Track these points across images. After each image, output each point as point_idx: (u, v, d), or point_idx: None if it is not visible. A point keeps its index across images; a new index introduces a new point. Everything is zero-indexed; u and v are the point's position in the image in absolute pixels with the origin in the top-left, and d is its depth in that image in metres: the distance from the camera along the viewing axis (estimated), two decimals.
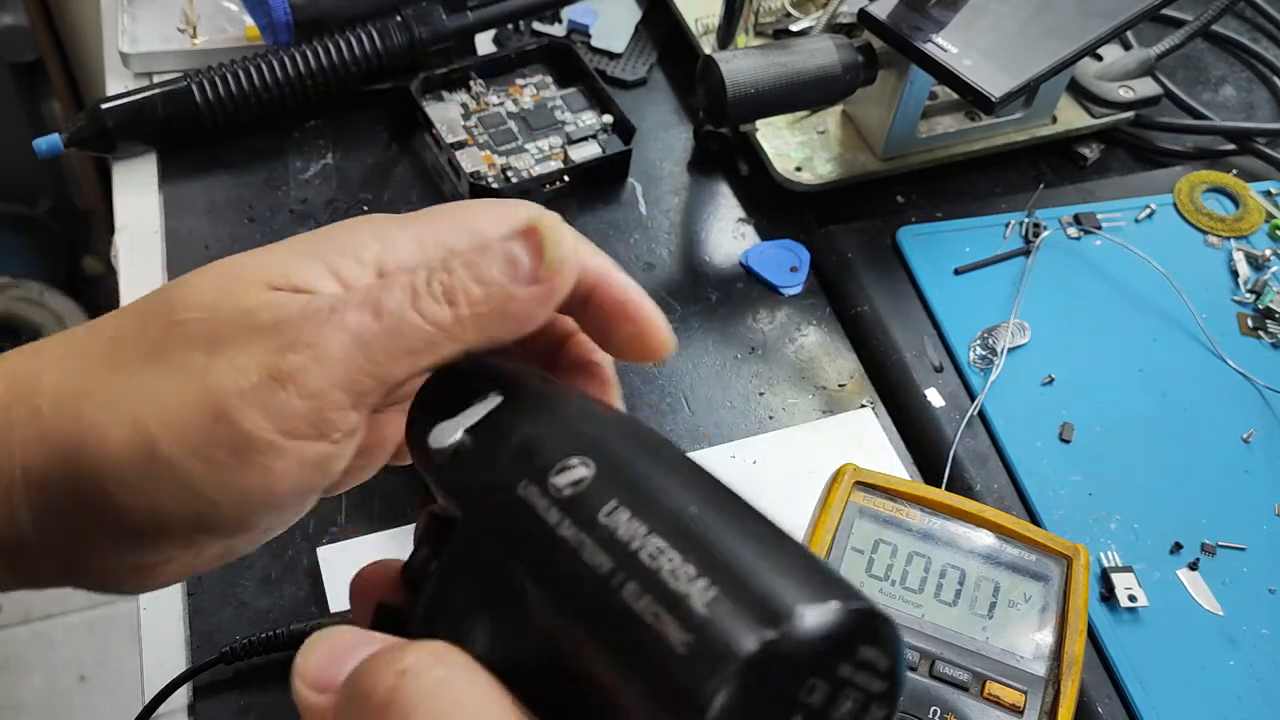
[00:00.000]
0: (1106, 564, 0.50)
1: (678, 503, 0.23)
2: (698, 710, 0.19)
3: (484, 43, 0.70)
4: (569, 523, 0.23)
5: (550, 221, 0.28)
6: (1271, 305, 0.61)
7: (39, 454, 0.27)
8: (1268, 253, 0.64)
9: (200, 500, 0.26)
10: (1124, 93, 0.69)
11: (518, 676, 0.24)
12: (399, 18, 0.64)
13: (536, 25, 0.71)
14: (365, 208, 0.62)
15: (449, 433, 0.27)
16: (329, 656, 0.25)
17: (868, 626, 0.21)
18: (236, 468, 0.26)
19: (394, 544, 0.49)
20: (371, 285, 0.27)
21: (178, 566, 0.29)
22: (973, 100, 0.55)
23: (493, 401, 0.28)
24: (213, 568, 0.30)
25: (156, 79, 0.63)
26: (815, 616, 0.20)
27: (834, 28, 0.62)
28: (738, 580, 0.21)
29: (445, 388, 0.29)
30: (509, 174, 0.62)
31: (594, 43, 0.71)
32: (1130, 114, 0.69)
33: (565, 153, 0.63)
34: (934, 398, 0.56)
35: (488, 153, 0.63)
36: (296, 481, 0.26)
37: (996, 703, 0.42)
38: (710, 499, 0.23)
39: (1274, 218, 0.65)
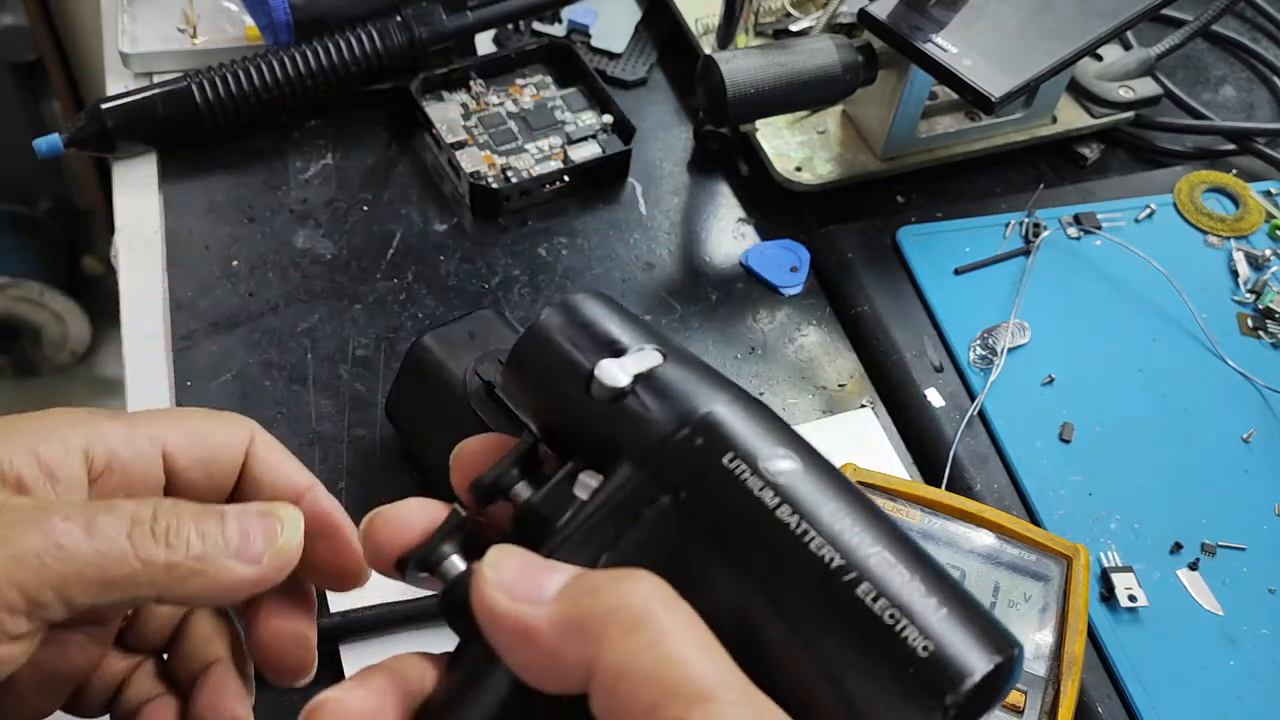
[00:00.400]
0: (1106, 564, 0.50)
1: (884, 521, 0.25)
2: (936, 710, 0.22)
3: (484, 43, 0.69)
4: (789, 509, 0.24)
5: (290, 514, 0.29)
6: (1271, 305, 0.61)
7: None
8: (1268, 253, 0.64)
9: None
10: (1124, 93, 0.69)
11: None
12: (399, 18, 0.64)
13: (536, 25, 0.71)
14: (365, 208, 0.62)
15: (619, 373, 0.27)
16: (525, 569, 0.24)
17: (1017, 666, 0.24)
18: None
19: None
20: (92, 503, 0.27)
21: None
22: (973, 100, 0.55)
23: (654, 357, 0.28)
24: None
25: (156, 79, 0.63)
26: (1017, 649, 0.23)
27: (834, 28, 0.62)
28: (960, 606, 0.23)
29: (582, 319, 0.29)
30: (509, 174, 0.62)
31: (594, 43, 0.71)
32: (1130, 114, 0.69)
33: (565, 153, 0.63)
34: (934, 398, 0.56)
35: (488, 153, 0.63)
36: None
37: None
38: (896, 524, 0.26)
39: (1274, 218, 0.65)
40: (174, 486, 0.31)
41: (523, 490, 0.28)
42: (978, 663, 0.23)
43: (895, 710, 0.23)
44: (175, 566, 0.27)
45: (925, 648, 0.23)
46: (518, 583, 0.24)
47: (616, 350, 0.28)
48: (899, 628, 0.23)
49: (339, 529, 0.31)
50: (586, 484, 0.27)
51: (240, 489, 0.32)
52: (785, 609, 0.24)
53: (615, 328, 0.29)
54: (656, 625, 0.22)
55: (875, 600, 0.23)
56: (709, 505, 0.25)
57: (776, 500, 0.25)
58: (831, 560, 0.24)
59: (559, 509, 0.27)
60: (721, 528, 0.25)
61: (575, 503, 0.27)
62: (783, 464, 0.25)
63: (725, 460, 0.25)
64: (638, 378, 0.27)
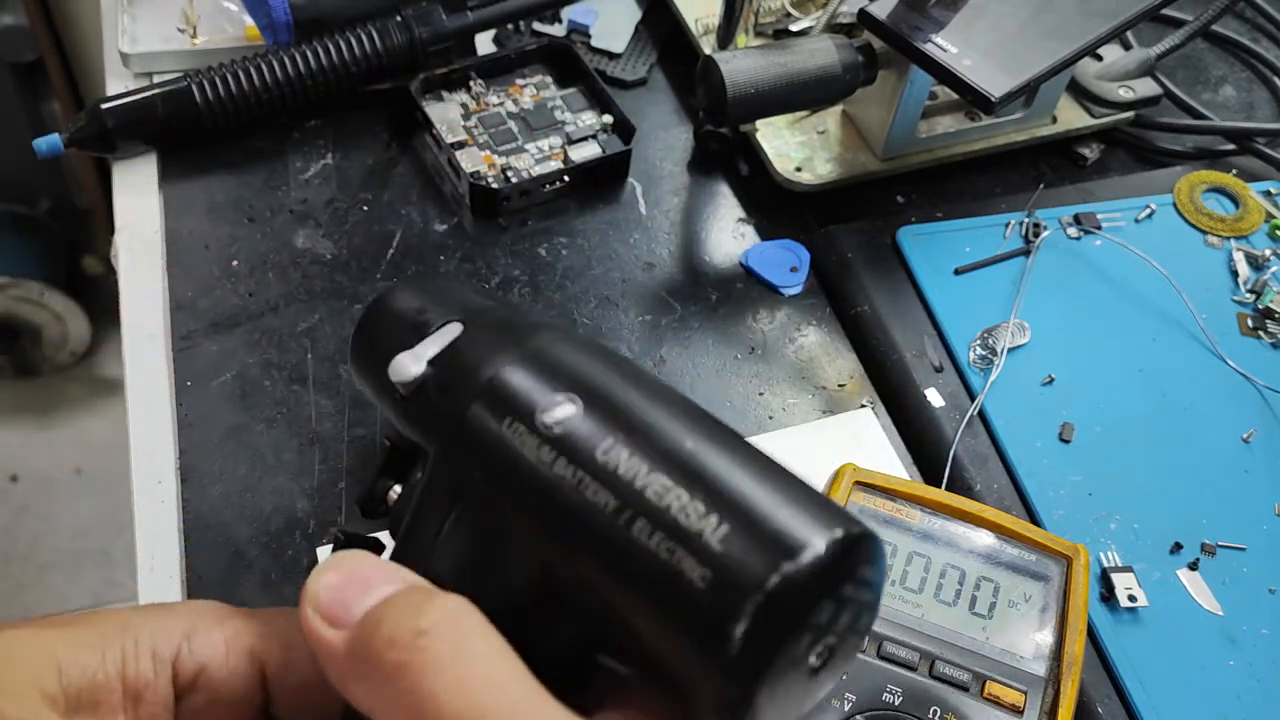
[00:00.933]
0: (1106, 564, 0.50)
1: (674, 437, 0.23)
2: (722, 639, 0.20)
3: (484, 43, 0.70)
4: (564, 461, 0.24)
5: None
6: (1271, 305, 0.61)
7: None
8: (1268, 253, 0.64)
9: None
10: (1124, 93, 0.69)
11: (510, 611, 0.24)
12: (399, 18, 0.64)
13: (536, 25, 0.71)
14: (365, 208, 0.62)
15: (411, 365, 0.27)
16: (344, 584, 0.23)
17: (865, 548, 0.22)
18: None
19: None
20: None
21: None
22: (973, 100, 0.55)
23: (453, 330, 0.27)
24: None
25: (156, 79, 0.63)
26: (824, 545, 0.21)
27: (834, 28, 0.62)
28: (746, 514, 0.22)
29: (392, 313, 0.29)
30: (509, 174, 0.62)
31: (594, 43, 0.71)
32: (1130, 114, 0.69)
33: (565, 153, 0.63)
34: (934, 398, 0.56)
35: (488, 153, 0.63)
36: None
37: (996, 703, 0.42)
38: (701, 430, 0.24)
39: (1274, 218, 0.65)
40: (273, 706, 0.28)
41: (394, 494, 0.29)
42: (756, 574, 0.21)
43: (687, 659, 0.21)
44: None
45: (703, 577, 0.21)
46: (331, 599, 0.23)
47: (420, 332, 0.27)
48: (675, 561, 0.21)
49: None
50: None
51: None
52: (583, 564, 0.23)
53: (416, 312, 0.28)
54: (419, 671, 0.21)
55: (650, 536, 0.22)
56: (500, 478, 0.25)
57: (552, 455, 0.24)
58: (606, 504, 0.23)
59: (390, 500, 0.28)
60: (515, 496, 0.24)
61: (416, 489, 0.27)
62: (559, 412, 0.24)
63: (505, 426, 0.25)
64: (435, 360, 0.27)
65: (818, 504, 0.22)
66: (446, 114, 0.64)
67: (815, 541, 0.21)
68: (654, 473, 0.23)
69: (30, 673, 0.23)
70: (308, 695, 0.27)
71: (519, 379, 0.25)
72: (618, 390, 0.25)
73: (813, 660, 0.22)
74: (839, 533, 0.22)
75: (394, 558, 0.27)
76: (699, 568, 0.21)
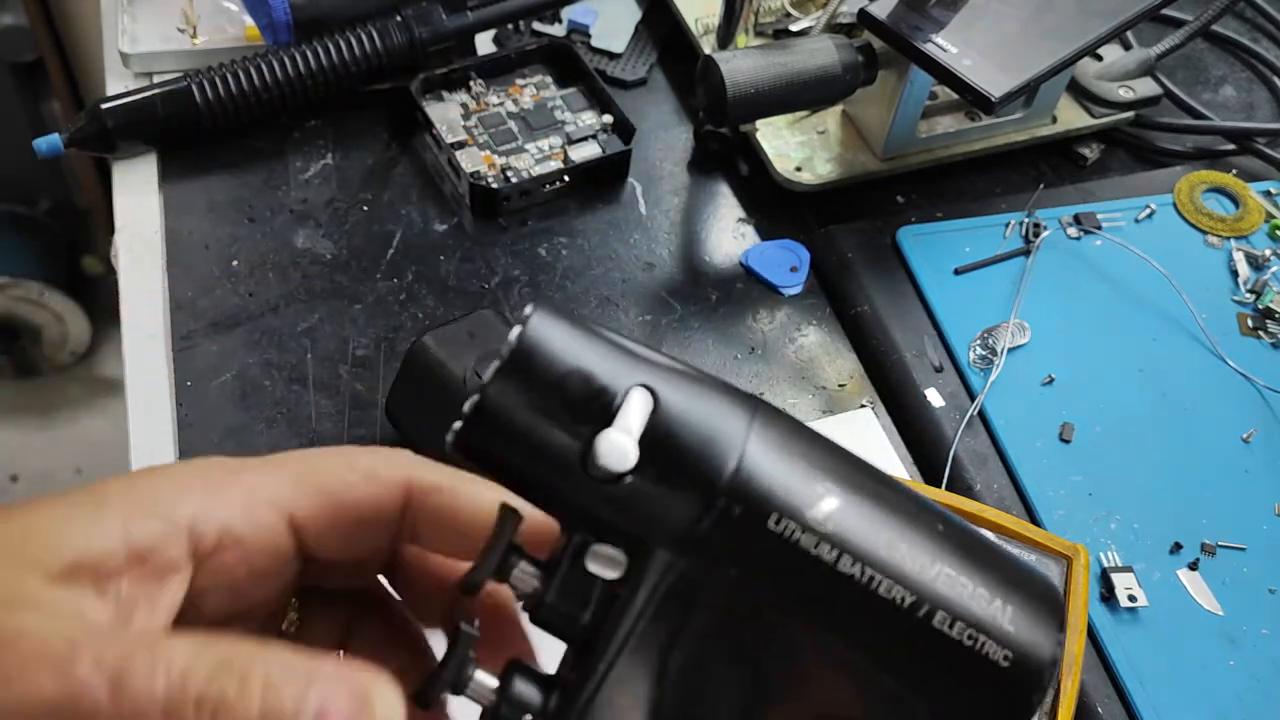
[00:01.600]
0: (1106, 564, 0.50)
1: (929, 524, 0.25)
2: (1027, 710, 0.23)
3: (484, 43, 0.69)
4: (849, 559, 0.23)
5: (387, 698, 0.23)
6: (1271, 305, 0.61)
7: None
8: (1268, 253, 0.64)
9: None
10: (1124, 93, 0.69)
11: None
12: (399, 18, 0.64)
13: (536, 25, 0.71)
14: (365, 208, 0.62)
15: (626, 448, 0.23)
16: None
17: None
18: None
19: None
20: (135, 649, 0.22)
21: None
22: (973, 100, 0.55)
23: (644, 400, 0.24)
24: None
25: (156, 79, 0.63)
26: (1063, 614, 0.25)
27: (834, 28, 0.62)
28: (1019, 595, 0.24)
29: (547, 366, 0.24)
30: (509, 174, 0.62)
31: (594, 43, 0.71)
32: (1130, 114, 0.69)
33: (565, 153, 0.63)
34: (934, 398, 0.56)
35: (488, 153, 0.63)
36: None
37: None
38: (936, 513, 0.25)
39: (1274, 218, 0.65)
40: (310, 558, 0.27)
41: (526, 576, 0.25)
42: (1047, 650, 0.24)
43: (1007, 698, 0.24)
44: None
45: (1005, 657, 0.24)
46: None
47: (601, 401, 0.24)
48: (979, 647, 0.23)
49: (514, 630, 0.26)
50: (607, 561, 0.24)
51: (399, 563, 0.28)
52: (872, 659, 0.23)
53: (588, 366, 0.24)
54: None
55: (951, 626, 0.23)
56: (768, 577, 0.23)
57: (834, 553, 0.23)
58: (903, 599, 0.23)
59: (582, 599, 0.24)
60: (788, 595, 0.23)
61: (597, 587, 0.24)
62: (826, 505, 0.24)
63: (771, 524, 0.23)
64: (642, 442, 0.23)
65: (1039, 576, 0.25)
66: (446, 114, 0.64)
67: (1059, 602, 0.25)
68: (937, 562, 0.24)
69: (20, 543, 0.23)
70: (349, 533, 0.26)
71: (770, 471, 0.23)
72: (855, 468, 0.25)
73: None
74: (1060, 598, 0.25)
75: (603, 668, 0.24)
76: (1001, 649, 0.23)
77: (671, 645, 0.24)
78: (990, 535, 0.25)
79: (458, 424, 0.24)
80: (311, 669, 0.23)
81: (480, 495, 0.27)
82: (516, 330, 0.24)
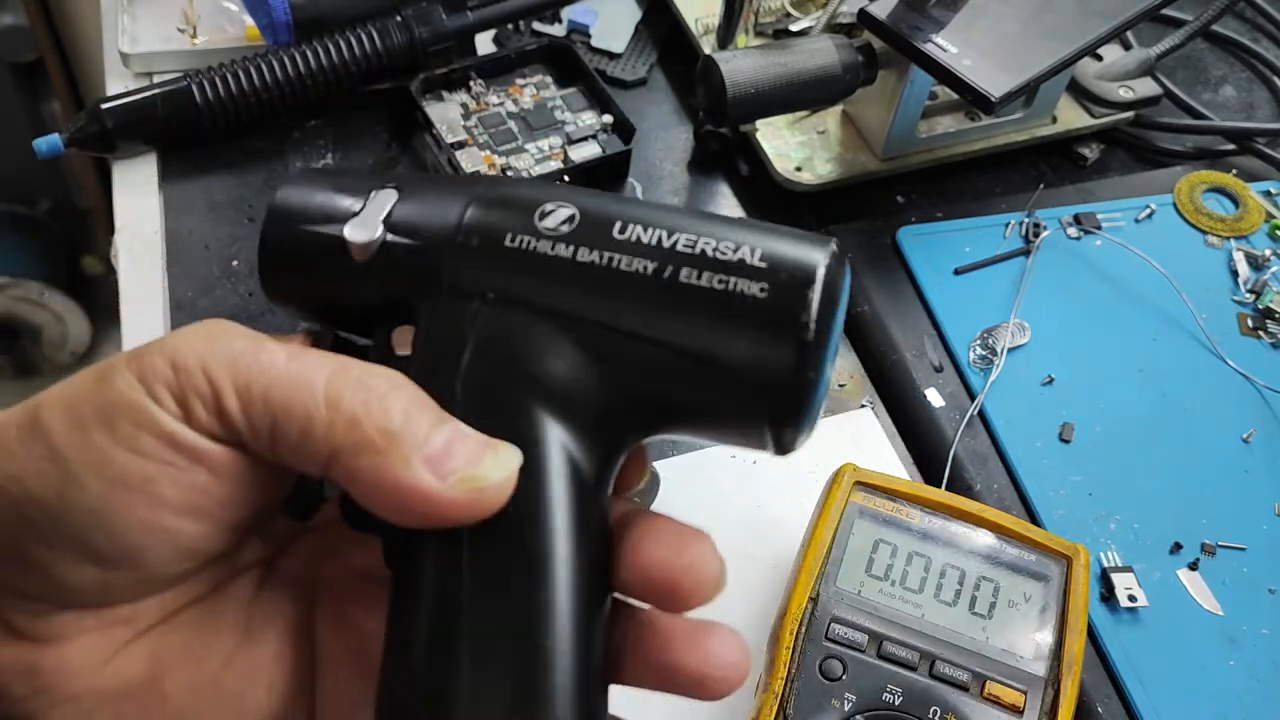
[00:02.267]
0: (1106, 564, 0.50)
1: (665, 209, 0.27)
2: (798, 328, 0.24)
3: (484, 43, 0.70)
4: (586, 249, 0.26)
5: (508, 453, 0.25)
6: (1271, 305, 0.61)
7: None
8: (1268, 253, 0.64)
9: (65, 473, 0.24)
10: (1124, 93, 0.69)
11: (566, 413, 0.26)
12: (399, 18, 0.64)
13: (536, 25, 0.71)
14: None
15: (368, 226, 0.27)
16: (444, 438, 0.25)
17: (842, 256, 0.27)
18: (102, 429, 0.24)
19: None
20: (289, 347, 0.26)
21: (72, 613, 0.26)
22: (973, 100, 0.55)
23: (389, 195, 0.28)
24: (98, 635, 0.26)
25: (156, 79, 0.63)
26: (835, 245, 0.26)
27: (834, 28, 0.62)
28: (767, 240, 0.26)
29: (306, 202, 0.28)
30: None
31: (594, 43, 0.71)
32: (1130, 114, 0.69)
33: (565, 153, 0.63)
34: (934, 398, 0.56)
35: (488, 153, 0.63)
36: (163, 471, 0.24)
37: (996, 703, 0.42)
38: (669, 208, 0.27)
39: (1274, 218, 0.65)
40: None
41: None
42: (811, 269, 0.25)
43: (768, 355, 0.25)
44: (357, 427, 0.24)
45: (761, 289, 0.25)
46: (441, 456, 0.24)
47: (351, 206, 0.28)
48: (731, 286, 0.25)
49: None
50: (407, 341, 0.27)
51: None
52: (637, 336, 0.25)
53: (339, 190, 0.28)
54: None
55: (700, 276, 0.25)
56: (518, 289, 0.26)
57: (570, 249, 0.26)
58: (646, 268, 0.25)
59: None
60: (543, 302, 0.26)
61: (403, 361, 0.27)
62: (555, 216, 0.26)
63: (508, 242, 0.26)
64: (386, 222, 0.27)
65: (800, 231, 0.27)
66: (446, 114, 0.64)
67: (829, 244, 0.26)
68: (675, 233, 0.26)
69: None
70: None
71: (498, 204, 0.27)
72: (593, 193, 0.27)
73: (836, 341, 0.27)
74: (834, 241, 0.26)
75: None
76: (754, 284, 0.25)
77: (454, 380, 0.26)
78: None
79: (259, 246, 0.29)
80: (438, 409, 0.25)
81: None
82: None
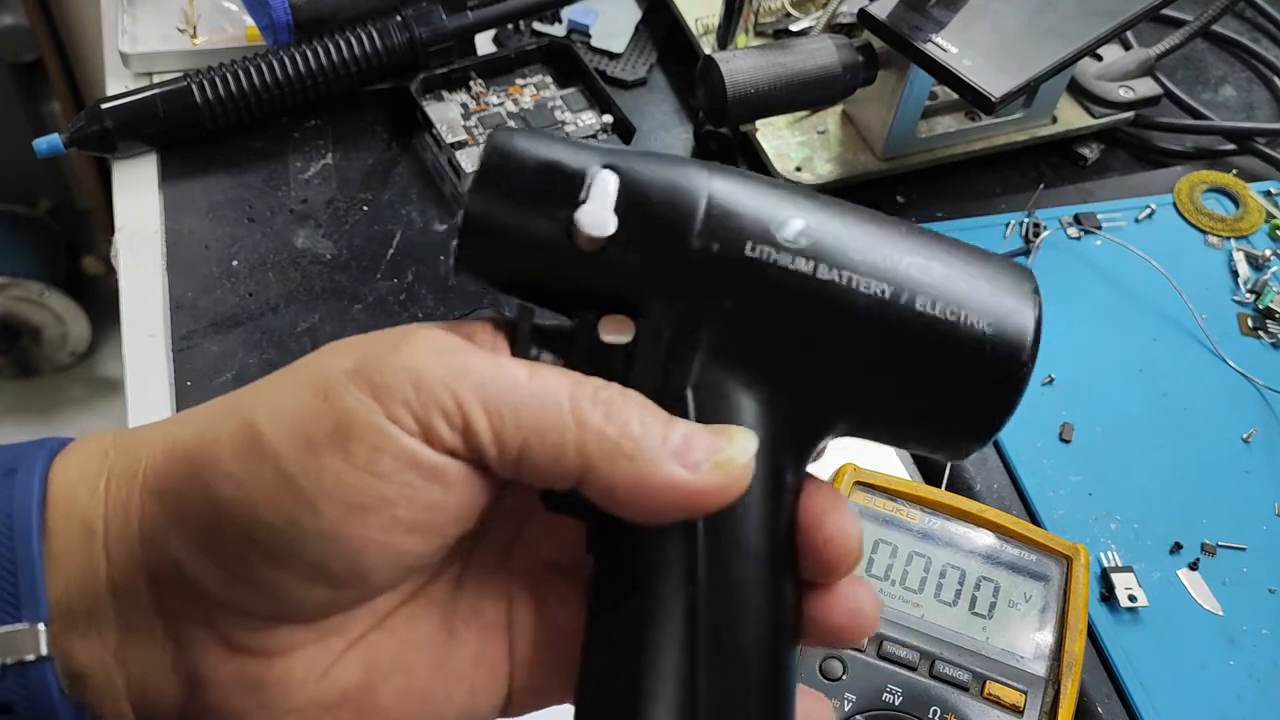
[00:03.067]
0: (1106, 564, 0.50)
1: (882, 227, 0.27)
2: (1019, 363, 0.26)
3: (484, 43, 0.69)
4: (825, 267, 0.26)
5: (743, 434, 0.26)
6: (1271, 305, 0.61)
7: (161, 463, 0.26)
8: (1268, 253, 0.64)
9: (298, 499, 0.24)
10: (1124, 93, 0.69)
11: (785, 421, 0.27)
12: (399, 18, 0.64)
13: (536, 25, 0.71)
14: (365, 208, 0.62)
15: (603, 216, 0.26)
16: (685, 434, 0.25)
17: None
18: (335, 451, 0.24)
19: None
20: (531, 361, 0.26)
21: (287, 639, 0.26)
22: (973, 100, 0.55)
23: (610, 179, 0.26)
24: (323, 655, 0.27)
25: (156, 79, 0.63)
26: (1036, 281, 0.27)
27: (834, 28, 0.62)
28: (993, 273, 0.27)
29: (524, 169, 0.26)
30: None
31: (594, 43, 0.71)
32: (1130, 114, 0.69)
33: None
34: None
35: None
36: (400, 492, 0.24)
37: (996, 703, 0.42)
38: (893, 221, 0.28)
39: (1274, 218, 0.65)
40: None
41: (550, 361, 0.27)
42: (1029, 312, 0.26)
43: (990, 385, 0.26)
44: (607, 439, 0.24)
45: (989, 324, 0.26)
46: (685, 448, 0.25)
47: (573, 185, 0.26)
48: (964, 319, 0.26)
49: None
50: (617, 328, 0.27)
51: None
52: (865, 353, 0.26)
53: (555, 163, 0.26)
54: None
55: (934, 306, 0.26)
56: (758, 300, 0.26)
57: (810, 265, 0.26)
58: (884, 291, 0.26)
59: (604, 366, 0.26)
60: (779, 313, 0.26)
61: (617, 354, 0.26)
62: (795, 225, 0.26)
63: (749, 252, 0.26)
64: (617, 211, 0.26)
65: (1007, 259, 0.28)
66: (446, 114, 0.64)
67: (1032, 278, 0.27)
68: (905, 256, 0.26)
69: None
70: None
71: (737, 205, 0.26)
72: (817, 198, 0.27)
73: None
74: (1032, 273, 0.28)
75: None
76: (983, 319, 0.26)
77: (685, 385, 0.26)
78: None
79: (454, 243, 0.26)
80: (663, 411, 0.26)
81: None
82: (482, 146, 0.27)
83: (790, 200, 0.27)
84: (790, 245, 0.26)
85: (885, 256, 0.26)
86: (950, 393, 0.26)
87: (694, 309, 0.26)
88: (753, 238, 0.26)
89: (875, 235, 0.27)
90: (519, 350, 0.27)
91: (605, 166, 0.26)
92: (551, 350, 0.27)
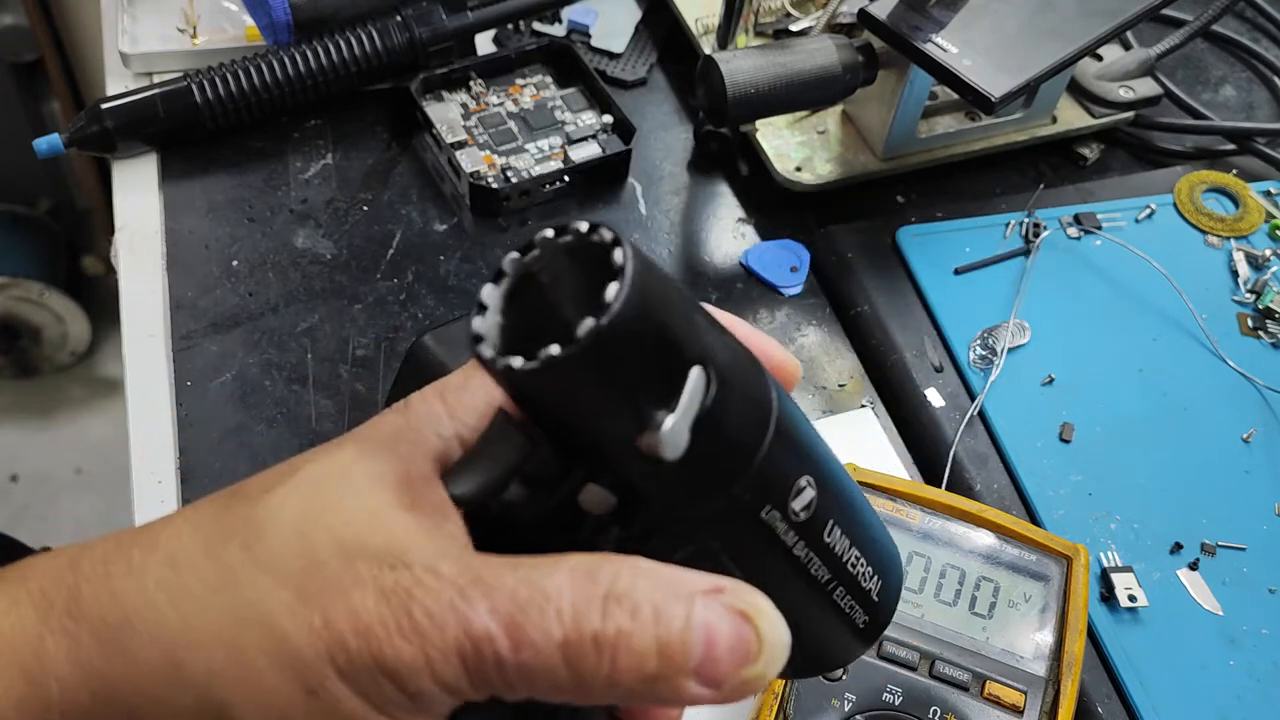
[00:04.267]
0: (1106, 564, 0.50)
1: (860, 511, 0.30)
2: (867, 648, 0.32)
3: (484, 43, 0.69)
4: (803, 543, 0.27)
5: (772, 625, 0.23)
6: (1271, 305, 0.61)
7: (79, 693, 0.23)
8: (1268, 253, 0.64)
9: None
10: (1124, 93, 0.69)
11: None
12: (399, 18, 0.64)
13: (536, 25, 0.71)
14: (365, 208, 0.62)
15: (679, 433, 0.22)
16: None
17: None
18: None
19: None
20: (516, 590, 0.22)
21: None
22: (973, 100, 0.55)
23: (699, 381, 0.23)
24: None
25: (156, 79, 0.63)
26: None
27: (834, 28, 0.62)
28: (886, 573, 0.31)
29: (650, 331, 0.22)
30: (509, 174, 0.62)
31: (594, 43, 0.71)
32: (1130, 114, 0.69)
33: (565, 153, 0.63)
34: (934, 398, 0.56)
35: (488, 153, 0.63)
36: None
37: (996, 703, 0.42)
38: (862, 500, 0.30)
39: (1274, 218, 0.65)
40: None
41: (515, 494, 0.25)
42: (886, 618, 0.32)
43: (851, 649, 0.32)
44: (614, 680, 0.22)
45: (864, 620, 0.31)
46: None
47: (674, 379, 0.22)
48: (854, 614, 0.30)
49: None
50: (599, 500, 0.25)
51: None
52: (785, 599, 0.26)
53: (674, 333, 0.23)
54: None
55: (844, 598, 0.30)
56: (739, 547, 0.26)
57: (795, 539, 0.27)
58: (822, 576, 0.29)
59: (559, 522, 0.24)
60: (743, 552, 0.27)
61: (586, 524, 0.25)
62: (804, 498, 0.26)
63: (764, 515, 0.26)
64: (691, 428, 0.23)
65: (896, 558, 0.33)
66: (446, 114, 0.64)
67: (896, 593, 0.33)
68: (853, 548, 0.29)
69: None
70: None
71: (776, 460, 0.25)
72: (832, 465, 0.28)
73: None
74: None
75: None
76: (864, 615, 0.31)
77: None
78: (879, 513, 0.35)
79: (520, 361, 0.22)
80: (690, 586, 0.23)
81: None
82: (619, 291, 0.21)
83: (808, 457, 0.27)
84: (793, 518, 0.27)
85: (842, 545, 0.29)
86: (836, 646, 0.32)
87: (687, 533, 0.25)
88: (772, 502, 0.26)
89: (846, 516, 0.29)
90: (492, 478, 0.24)
91: (700, 366, 0.23)
92: (523, 485, 0.25)
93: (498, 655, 0.22)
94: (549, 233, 0.23)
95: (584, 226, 0.23)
